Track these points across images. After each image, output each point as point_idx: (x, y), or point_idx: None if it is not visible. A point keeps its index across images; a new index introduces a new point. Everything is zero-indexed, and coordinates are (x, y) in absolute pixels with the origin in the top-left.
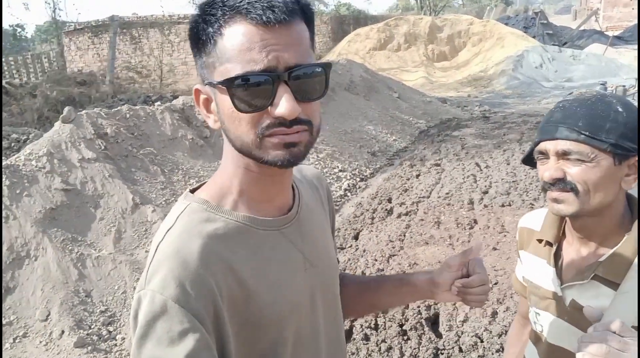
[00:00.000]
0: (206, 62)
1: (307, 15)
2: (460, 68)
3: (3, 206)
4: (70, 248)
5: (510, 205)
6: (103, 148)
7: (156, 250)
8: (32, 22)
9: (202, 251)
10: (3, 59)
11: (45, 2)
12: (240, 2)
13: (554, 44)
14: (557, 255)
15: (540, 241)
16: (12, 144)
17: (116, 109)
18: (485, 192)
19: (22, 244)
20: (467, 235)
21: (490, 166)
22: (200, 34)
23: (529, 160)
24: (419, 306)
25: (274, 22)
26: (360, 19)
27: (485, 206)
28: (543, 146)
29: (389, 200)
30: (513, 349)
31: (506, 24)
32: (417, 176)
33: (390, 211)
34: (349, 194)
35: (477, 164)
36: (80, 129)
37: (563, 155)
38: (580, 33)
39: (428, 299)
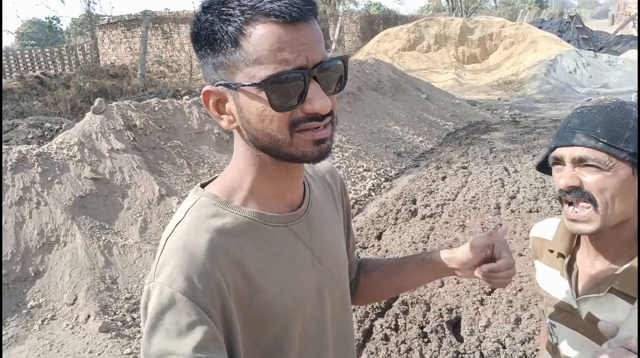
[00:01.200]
0: (224, 62)
1: (315, 10)
2: (491, 71)
3: (34, 192)
4: (97, 235)
5: (538, 211)
6: (132, 139)
7: (165, 243)
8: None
9: (209, 246)
10: (39, 50)
11: None
12: (260, 1)
13: (589, 49)
14: (571, 267)
15: (552, 251)
16: (45, 132)
17: (145, 101)
18: (513, 197)
19: (52, 229)
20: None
21: (518, 170)
22: (218, 34)
23: (544, 166)
24: (440, 310)
25: (299, 18)
26: (390, 19)
27: (512, 211)
28: (559, 152)
29: (414, 201)
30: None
31: (540, 27)
32: (443, 178)
33: (414, 213)
34: (373, 194)
35: (506, 169)
36: (111, 121)
37: (579, 162)
38: (617, 38)
39: (450, 276)
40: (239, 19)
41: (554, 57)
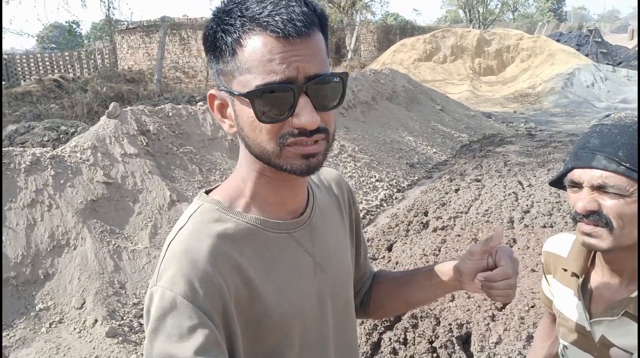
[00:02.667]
0: (223, 70)
1: (323, 23)
2: (507, 83)
3: (47, 195)
4: (107, 239)
5: (552, 226)
6: (145, 144)
7: (167, 247)
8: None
9: (210, 250)
10: (59, 54)
11: (101, 0)
12: (260, 13)
13: (607, 63)
14: (585, 287)
15: (566, 270)
16: (61, 135)
17: (160, 107)
18: (527, 211)
19: (62, 233)
20: None
21: (533, 184)
22: (218, 43)
23: (558, 182)
24: (450, 324)
25: (294, 35)
26: (407, 30)
27: (526, 226)
28: (577, 174)
29: (426, 213)
30: (542, 343)
31: (558, 40)
32: (456, 190)
33: (426, 225)
34: (384, 204)
35: (520, 183)
36: (124, 125)
37: (599, 188)
38: (636, 53)
39: (457, 290)
40: (238, 30)
41: (571, 71)
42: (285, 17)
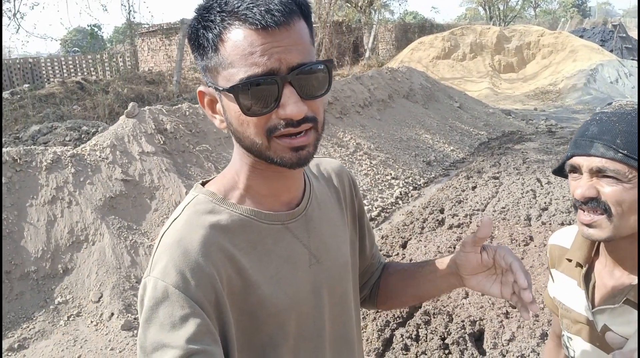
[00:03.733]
0: (208, 66)
1: (304, 12)
2: (528, 80)
3: (67, 192)
4: (125, 235)
5: (570, 224)
6: (162, 142)
7: (161, 238)
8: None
9: (203, 241)
10: (82, 56)
11: (121, 4)
12: (238, 7)
13: (632, 59)
14: (588, 277)
15: (570, 260)
16: (82, 135)
17: (177, 106)
18: (545, 209)
19: (81, 228)
20: (522, 251)
21: (552, 182)
22: (201, 40)
23: (560, 170)
24: (463, 321)
25: (273, 26)
26: (426, 28)
27: (543, 223)
28: (576, 161)
29: (441, 211)
30: None
31: (581, 36)
32: (473, 188)
33: (441, 222)
34: (400, 202)
35: (538, 180)
36: (142, 124)
37: (597, 173)
38: None
39: (460, 287)
40: (219, 26)
41: (594, 67)
42: (262, 9)
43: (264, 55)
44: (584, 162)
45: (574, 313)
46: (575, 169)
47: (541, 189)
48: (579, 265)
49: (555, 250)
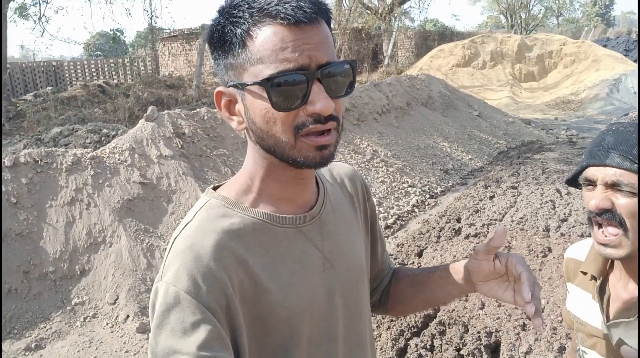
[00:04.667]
0: (233, 64)
1: (326, 17)
2: (549, 90)
3: (86, 193)
4: (141, 238)
5: (590, 236)
6: (180, 146)
7: (173, 243)
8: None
9: (215, 246)
10: (104, 60)
11: (144, 9)
12: (269, 3)
13: None
14: (603, 290)
15: (585, 273)
16: (102, 138)
17: (195, 111)
18: (564, 220)
19: (99, 230)
20: (539, 263)
21: (571, 193)
22: (227, 36)
23: (574, 181)
24: (479, 332)
25: (305, 21)
26: (446, 35)
27: (562, 234)
28: (591, 172)
29: (458, 220)
30: None
31: (604, 45)
32: (491, 197)
33: (458, 231)
34: (416, 210)
35: (558, 190)
36: (161, 128)
37: (612, 186)
38: None
39: (472, 292)
40: (248, 21)
41: (617, 77)
42: (294, 5)
43: (295, 51)
44: (599, 173)
45: (588, 326)
46: (590, 180)
47: (560, 199)
48: (593, 277)
49: (570, 264)
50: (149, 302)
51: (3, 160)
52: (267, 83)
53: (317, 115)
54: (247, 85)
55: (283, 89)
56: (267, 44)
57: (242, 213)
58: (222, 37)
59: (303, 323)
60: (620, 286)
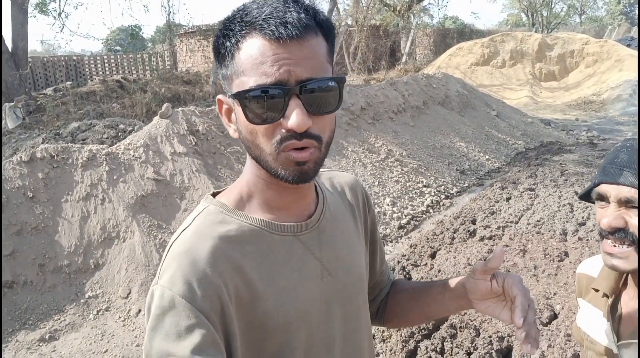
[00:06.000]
0: (225, 74)
1: (325, 30)
2: (570, 89)
3: (101, 189)
4: (154, 233)
5: None
6: (194, 143)
7: (170, 247)
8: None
9: (211, 252)
10: (123, 56)
11: (162, 5)
12: (257, 18)
13: None
14: (614, 308)
15: (597, 290)
16: (119, 133)
17: (210, 108)
18: (582, 224)
19: (113, 225)
20: (555, 267)
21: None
22: (220, 48)
23: (587, 196)
24: (490, 337)
25: (285, 37)
26: (465, 33)
27: (580, 239)
28: (604, 189)
29: (473, 222)
30: None
31: (628, 45)
32: (508, 199)
33: (472, 233)
34: (431, 210)
35: (576, 193)
36: (175, 125)
37: (626, 203)
38: None
39: (469, 309)
40: (236, 35)
41: None
42: (278, 21)
43: (273, 65)
44: (612, 191)
45: (598, 345)
46: (603, 198)
47: (579, 203)
48: (605, 295)
49: (582, 279)
50: (145, 304)
51: (20, 155)
52: (242, 95)
53: (291, 131)
54: (230, 96)
55: (259, 102)
56: (249, 57)
57: (239, 219)
58: (217, 48)
59: (299, 331)
60: (633, 306)
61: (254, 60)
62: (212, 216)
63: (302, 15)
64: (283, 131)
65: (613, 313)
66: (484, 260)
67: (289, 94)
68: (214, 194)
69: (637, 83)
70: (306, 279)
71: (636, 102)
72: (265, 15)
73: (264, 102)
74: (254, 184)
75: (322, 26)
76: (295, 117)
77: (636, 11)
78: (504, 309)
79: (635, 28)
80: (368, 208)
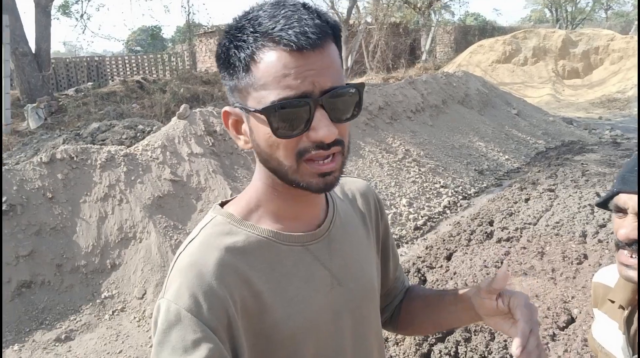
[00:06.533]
0: (237, 86)
1: (336, 35)
2: (594, 87)
3: (118, 190)
4: (170, 234)
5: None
6: (211, 144)
7: (176, 260)
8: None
9: (217, 264)
10: (144, 56)
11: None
12: (273, 28)
13: None
14: (630, 320)
15: (613, 301)
16: (138, 134)
17: None
18: (603, 226)
19: (130, 226)
20: (574, 270)
21: None
22: (232, 59)
23: (605, 204)
24: (505, 341)
25: (308, 48)
26: (487, 30)
27: (600, 241)
28: (622, 199)
29: (491, 223)
30: None
31: None
32: (526, 200)
33: (489, 235)
34: (448, 211)
35: (598, 194)
36: (193, 126)
37: None
38: None
39: (479, 321)
40: (251, 46)
41: None
42: (297, 31)
43: (297, 78)
44: (631, 202)
45: (612, 357)
46: (621, 208)
47: None
48: (621, 307)
49: (599, 289)
50: (152, 318)
51: (40, 156)
52: (269, 110)
53: (319, 142)
54: (250, 111)
55: (285, 116)
56: (270, 70)
57: (247, 230)
58: (227, 60)
59: (308, 342)
60: None
61: (276, 73)
62: (219, 226)
63: (318, 21)
64: (308, 142)
65: (629, 325)
66: (494, 274)
67: (314, 105)
68: (222, 204)
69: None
70: (315, 289)
71: None
72: (282, 26)
73: (290, 115)
74: (262, 193)
75: (334, 30)
76: (325, 129)
77: None
78: (512, 326)
79: None
80: (380, 215)
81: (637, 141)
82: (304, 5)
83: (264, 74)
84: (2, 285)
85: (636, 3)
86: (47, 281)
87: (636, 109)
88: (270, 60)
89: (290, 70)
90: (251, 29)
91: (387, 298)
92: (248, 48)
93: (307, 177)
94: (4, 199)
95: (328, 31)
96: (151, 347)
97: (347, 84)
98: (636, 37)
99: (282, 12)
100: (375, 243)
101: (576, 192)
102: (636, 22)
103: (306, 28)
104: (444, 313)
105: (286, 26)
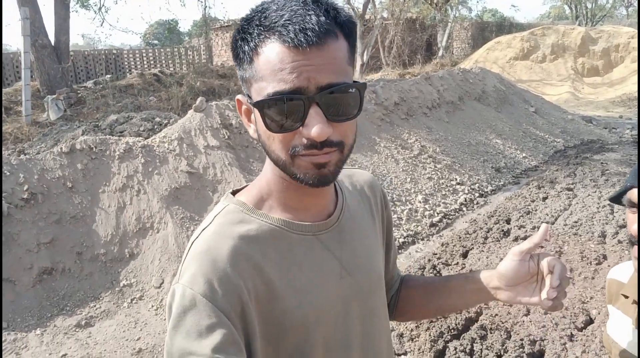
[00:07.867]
0: (244, 77)
1: (345, 30)
2: (614, 85)
3: (136, 181)
4: (187, 225)
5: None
6: (227, 137)
7: (190, 246)
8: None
9: (231, 251)
10: (161, 50)
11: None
12: (276, 22)
13: None
14: None
15: (627, 296)
16: (155, 126)
17: None
18: (623, 226)
19: (148, 216)
20: (592, 271)
21: None
22: (238, 51)
23: (618, 199)
24: (522, 340)
25: (305, 45)
26: (504, 27)
27: (620, 242)
28: (636, 194)
29: (508, 221)
30: None
31: None
32: (544, 199)
33: (506, 233)
34: (464, 209)
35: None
36: (209, 119)
37: None
38: None
39: (491, 300)
40: (255, 39)
41: None
42: (297, 27)
43: (292, 72)
44: None
45: (626, 353)
46: (634, 204)
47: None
48: (635, 302)
49: (613, 285)
50: (166, 303)
51: (60, 146)
52: (261, 103)
53: (312, 140)
54: (250, 102)
55: (277, 110)
56: (268, 63)
57: (259, 219)
58: (235, 51)
59: (317, 330)
60: None
61: (273, 66)
62: (232, 215)
63: (322, 18)
64: (303, 139)
65: None
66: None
67: (309, 102)
68: (234, 192)
69: None
70: (325, 278)
71: None
72: (284, 21)
73: (283, 110)
74: (273, 184)
75: (343, 27)
76: (315, 127)
77: None
78: (533, 293)
79: None
80: (385, 207)
81: None
82: None
83: (263, 67)
84: (2, 285)
85: None
86: (67, 269)
87: None
88: (269, 53)
89: (286, 64)
90: (257, 22)
91: (386, 286)
92: (252, 41)
93: (303, 169)
94: (25, 188)
95: (332, 28)
96: None
97: (347, 82)
98: None
99: (290, 5)
100: (381, 234)
101: (595, 191)
102: None
103: (307, 25)
104: (451, 296)
105: (288, 21)
